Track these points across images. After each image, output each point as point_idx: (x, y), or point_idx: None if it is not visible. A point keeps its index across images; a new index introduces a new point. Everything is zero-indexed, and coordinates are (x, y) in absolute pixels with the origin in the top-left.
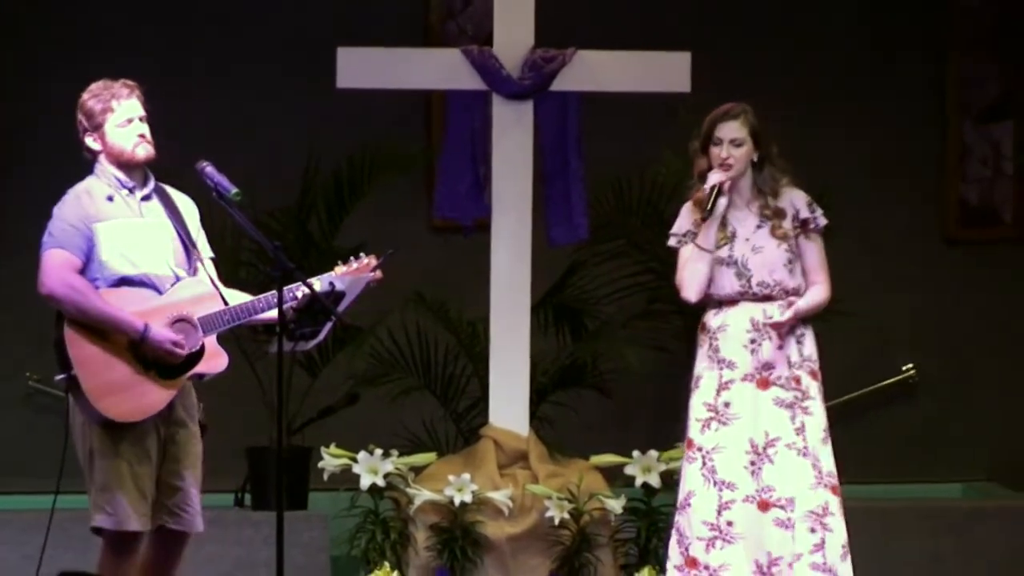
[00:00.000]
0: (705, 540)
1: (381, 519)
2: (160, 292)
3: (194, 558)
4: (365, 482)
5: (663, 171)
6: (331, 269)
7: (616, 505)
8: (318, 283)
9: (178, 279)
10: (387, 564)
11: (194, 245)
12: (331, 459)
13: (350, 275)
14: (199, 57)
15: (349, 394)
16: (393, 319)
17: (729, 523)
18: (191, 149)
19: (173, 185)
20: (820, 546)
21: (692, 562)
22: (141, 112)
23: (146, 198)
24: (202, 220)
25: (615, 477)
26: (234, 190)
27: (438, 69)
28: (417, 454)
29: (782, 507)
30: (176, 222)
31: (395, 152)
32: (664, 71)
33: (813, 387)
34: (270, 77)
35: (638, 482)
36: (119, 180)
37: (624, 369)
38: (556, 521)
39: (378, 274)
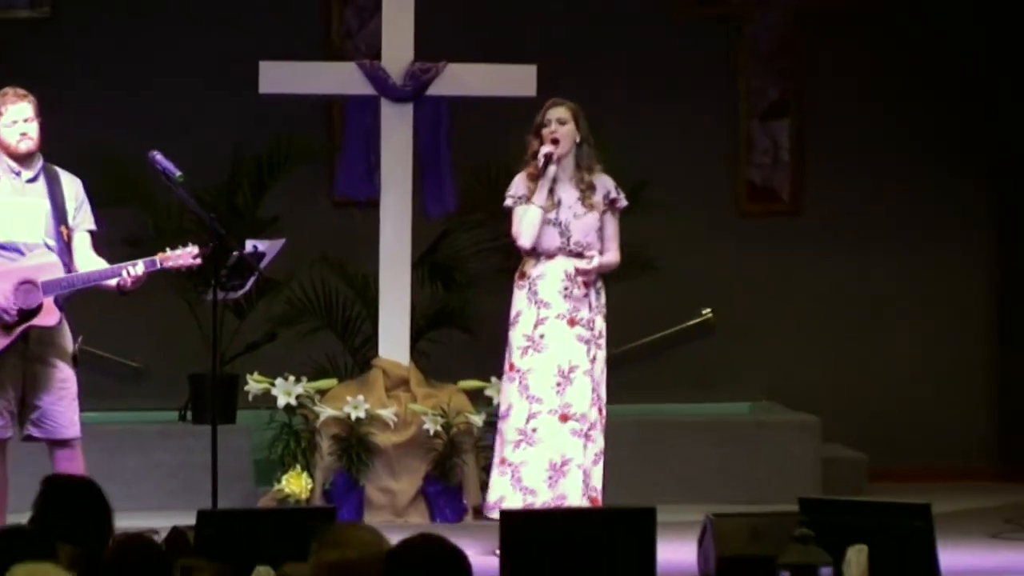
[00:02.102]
0: (513, 443)
1: (294, 431)
2: (24, 256)
3: (146, 462)
4: (281, 402)
5: (511, 160)
6: (256, 236)
7: (478, 420)
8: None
9: (48, 248)
10: (298, 466)
11: (65, 220)
12: (255, 384)
13: (171, 261)
14: (148, 66)
15: (269, 333)
16: (303, 275)
17: (534, 430)
18: (144, 142)
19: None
20: (591, 456)
21: (503, 461)
22: (28, 115)
23: (32, 180)
24: (153, 200)
25: (477, 398)
26: (178, 173)
27: (338, 78)
28: (322, 380)
29: (577, 420)
30: (53, 201)
31: (303, 144)
32: (515, 79)
33: (603, 328)
34: (206, 84)
35: (495, 401)
36: (8, 166)
37: (484, 312)
38: (431, 432)
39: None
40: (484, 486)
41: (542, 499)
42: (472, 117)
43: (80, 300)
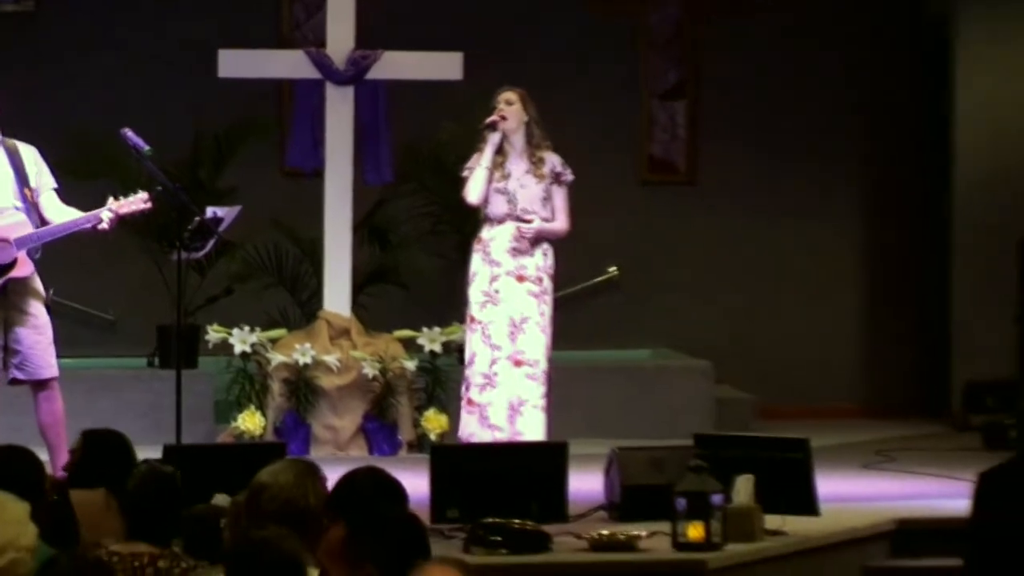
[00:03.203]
0: (479, 386)
1: (249, 375)
2: None
3: (118, 403)
4: (238, 349)
5: (444, 135)
6: (216, 204)
7: (411, 365)
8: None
9: (17, 209)
10: (253, 407)
11: (27, 183)
12: (214, 334)
13: (125, 207)
14: (121, 53)
15: (227, 289)
16: (257, 236)
17: (495, 374)
18: (119, 119)
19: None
20: (543, 397)
21: (471, 402)
22: None
23: None
24: (128, 172)
25: (410, 345)
26: (147, 148)
27: (288, 64)
28: (273, 330)
29: (531, 365)
30: (15, 168)
31: (257, 122)
32: (443, 65)
33: (550, 286)
34: (172, 69)
35: (426, 349)
36: None
37: (417, 270)
38: (370, 376)
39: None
40: (416, 423)
41: (505, 434)
42: (407, 98)
43: (62, 261)
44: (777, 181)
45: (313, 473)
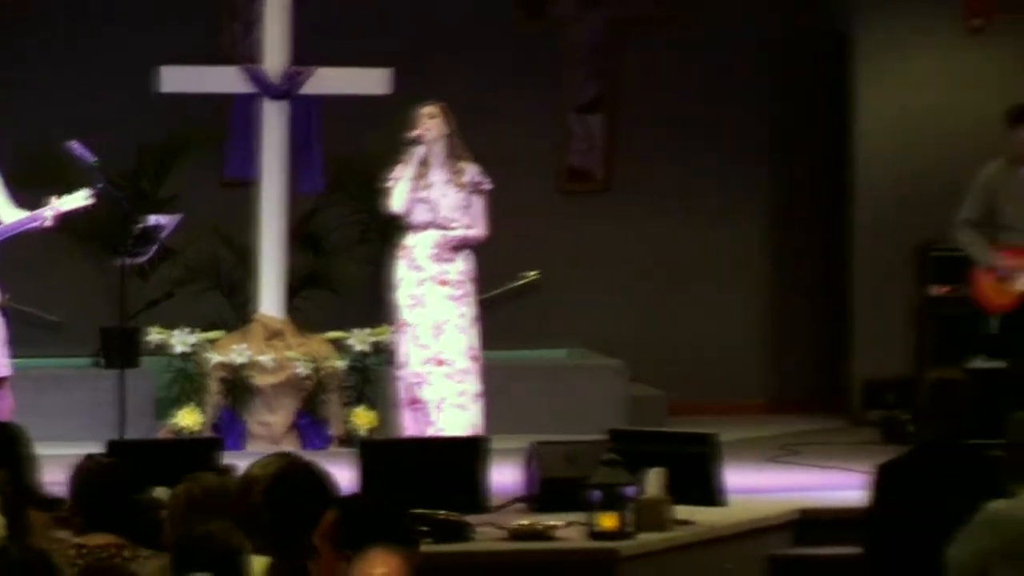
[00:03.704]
0: (416, 384)
1: (188, 374)
2: None
3: (65, 400)
4: (177, 350)
5: (371, 149)
6: (158, 212)
7: (342, 365)
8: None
9: None
10: (191, 404)
11: None
12: (155, 335)
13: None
14: (70, 70)
15: (167, 292)
16: (196, 243)
17: (428, 372)
18: (66, 132)
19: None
20: (463, 394)
21: (414, 401)
22: None
23: None
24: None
25: (341, 346)
26: (93, 159)
27: (227, 80)
28: (211, 331)
29: (450, 364)
30: None
31: (197, 134)
32: (373, 80)
33: (471, 289)
34: (117, 85)
35: (356, 349)
36: None
37: (347, 276)
38: (303, 375)
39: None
40: (346, 420)
41: (437, 429)
42: (339, 112)
43: (10, 264)
44: (688, 189)
45: (304, 464)
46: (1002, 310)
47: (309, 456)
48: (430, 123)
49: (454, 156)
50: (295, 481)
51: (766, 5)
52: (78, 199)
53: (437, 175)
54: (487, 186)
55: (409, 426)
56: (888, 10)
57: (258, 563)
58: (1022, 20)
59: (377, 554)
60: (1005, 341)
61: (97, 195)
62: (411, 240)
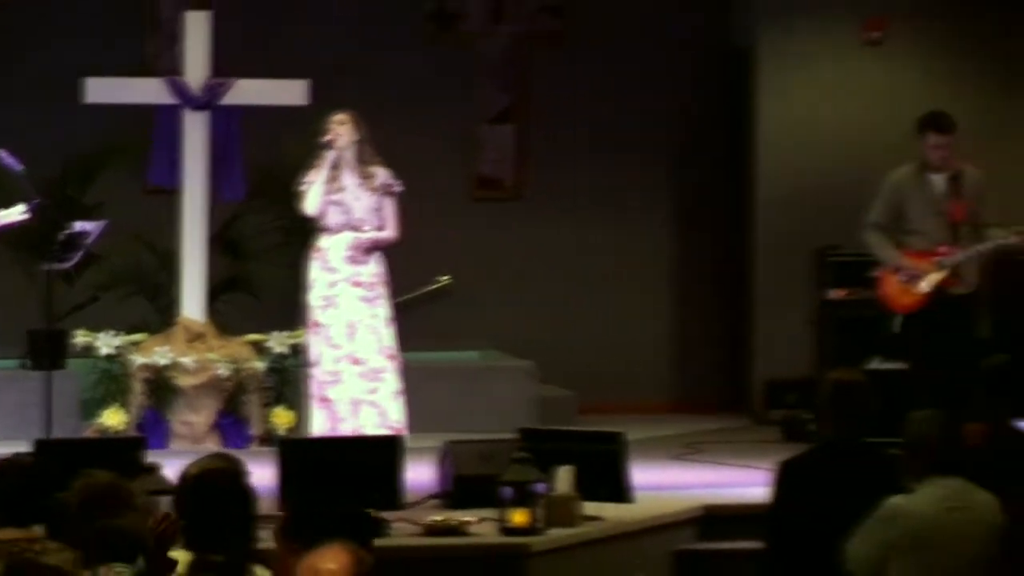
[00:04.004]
0: (328, 383)
1: (113, 376)
2: None
3: None
4: (102, 352)
5: (289, 157)
6: (83, 219)
7: (261, 366)
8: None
9: None
10: (116, 404)
11: None
12: (81, 338)
13: (4, 220)
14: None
15: (92, 296)
16: (121, 249)
17: (339, 371)
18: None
19: None
20: (375, 392)
21: (324, 399)
22: None
23: None
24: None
25: (261, 348)
26: (21, 168)
27: (150, 91)
28: (135, 334)
29: (363, 363)
30: None
31: (121, 143)
32: (291, 91)
33: (383, 291)
34: (45, 96)
35: (275, 351)
36: None
37: (266, 280)
38: (224, 376)
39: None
40: (265, 419)
41: (349, 427)
42: (258, 121)
43: None
44: (595, 196)
45: (236, 465)
46: (906, 310)
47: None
48: (341, 129)
49: (364, 161)
50: (214, 482)
51: (669, 20)
52: (13, 214)
53: (349, 179)
54: (397, 188)
55: (320, 424)
56: (788, 24)
57: (181, 557)
58: (917, 34)
59: (327, 549)
60: (906, 340)
61: (32, 210)
62: (325, 242)
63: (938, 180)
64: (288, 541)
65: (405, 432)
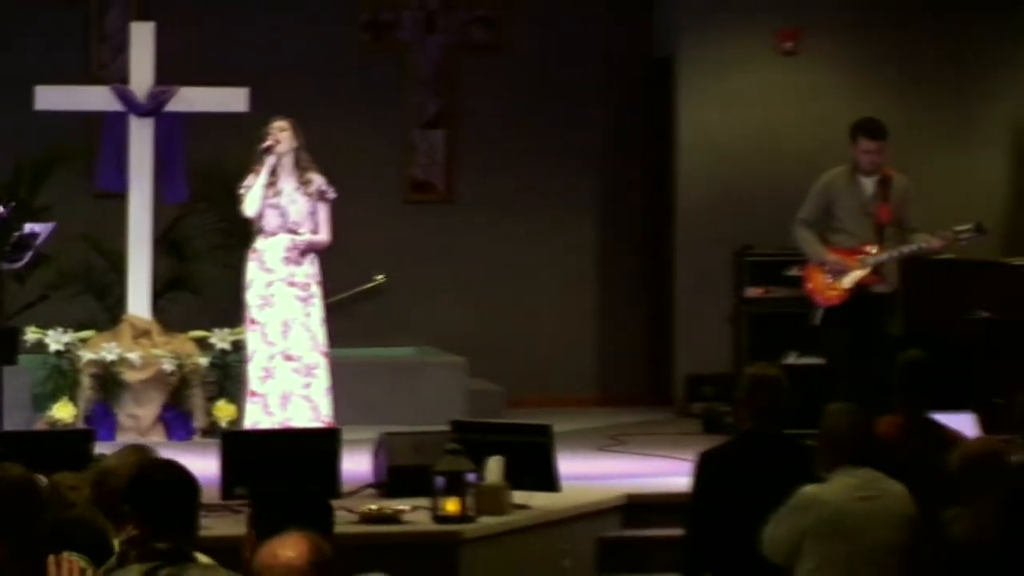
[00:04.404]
0: (259, 378)
1: (62, 371)
2: None
3: None
4: (52, 348)
5: (230, 161)
6: (33, 221)
7: (204, 361)
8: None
9: None
10: (66, 398)
11: None
12: (32, 335)
13: None
14: None
15: (42, 295)
16: (70, 250)
17: (272, 368)
18: None
19: None
20: (308, 387)
21: (254, 393)
22: None
23: None
24: None
25: (204, 344)
26: None
27: (97, 99)
28: (83, 331)
29: (297, 359)
30: None
31: (70, 149)
32: (232, 98)
33: (316, 291)
34: None
35: (217, 347)
36: None
37: (209, 279)
38: (168, 371)
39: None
40: (208, 412)
41: (278, 420)
42: (200, 127)
43: None
44: (523, 198)
45: (150, 455)
46: (828, 303)
47: (174, 447)
48: (281, 136)
49: (302, 167)
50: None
51: (594, 31)
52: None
53: (286, 183)
54: (332, 195)
55: (254, 417)
56: (707, 36)
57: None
58: (828, 45)
59: (286, 537)
60: (825, 332)
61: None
62: (262, 244)
63: (868, 183)
64: (254, 530)
65: (334, 425)
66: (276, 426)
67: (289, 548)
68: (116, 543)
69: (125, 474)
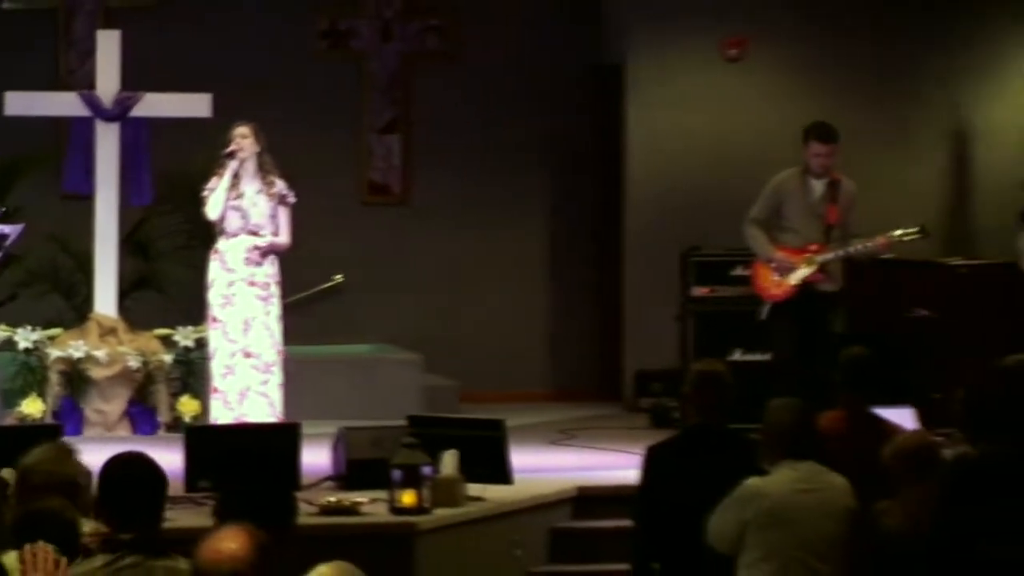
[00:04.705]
0: (221, 374)
1: (31, 368)
2: None
3: None
4: (21, 346)
5: (194, 165)
6: (2, 222)
7: (168, 358)
8: None
9: None
10: (34, 394)
11: None
12: (2, 332)
13: None
14: None
15: (11, 294)
16: (38, 250)
17: (233, 365)
18: None
19: None
20: (266, 383)
21: (215, 389)
22: None
23: None
24: None
25: (168, 342)
26: None
27: (65, 104)
28: (51, 329)
29: (256, 357)
30: None
31: (39, 153)
32: (195, 104)
33: (275, 290)
34: None
35: (181, 345)
36: None
37: (173, 278)
38: (134, 368)
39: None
40: (172, 408)
41: (237, 415)
42: (165, 131)
43: None
44: (477, 200)
45: (67, 450)
46: (774, 299)
47: (139, 441)
48: (243, 141)
49: (264, 170)
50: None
51: (546, 39)
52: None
53: (248, 187)
54: (292, 199)
55: (217, 412)
56: (655, 43)
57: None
58: (773, 52)
59: (225, 531)
60: (771, 327)
61: None
62: (224, 245)
63: (818, 185)
64: (220, 522)
65: (285, 420)
66: (234, 421)
67: (229, 541)
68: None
69: (47, 471)
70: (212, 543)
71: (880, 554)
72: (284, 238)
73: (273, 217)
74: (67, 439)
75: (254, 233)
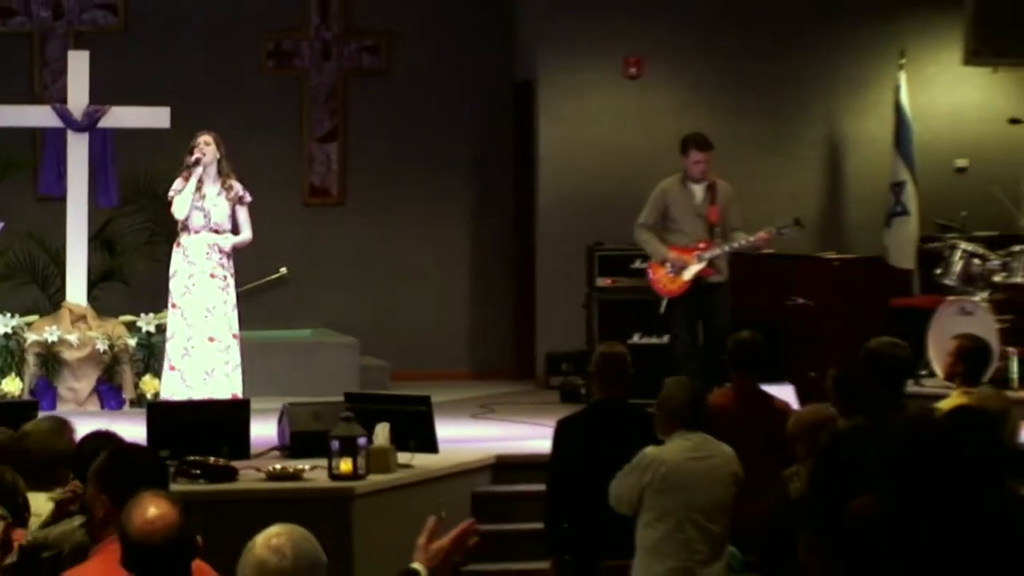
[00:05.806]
0: (179, 355)
1: (9, 350)
2: None
3: None
4: (2, 331)
5: (155, 170)
6: None
7: (132, 342)
8: None
9: None
10: (13, 373)
11: None
12: None
13: None
14: None
15: None
16: (16, 246)
17: (192, 347)
18: None
19: None
20: (227, 364)
21: (172, 367)
22: None
23: None
24: None
25: (132, 327)
26: None
27: (39, 116)
28: (29, 316)
29: (218, 341)
30: None
31: (16, 159)
32: (156, 117)
33: (232, 282)
34: None
35: (144, 330)
36: None
37: (136, 271)
38: (102, 350)
39: None
40: (136, 386)
41: (198, 393)
42: (129, 141)
43: None
44: (406, 201)
45: (64, 424)
46: (671, 295)
47: (107, 415)
48: (207, 148)
49: (224, 175)
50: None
51: (467, 58)
52: None
53: (210, 189)
54: (249, 199)
55: (172, 388)
56: (563, 62)
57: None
58: (667, 70)
59: (144, 500)
60: (670, 319)
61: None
62: (187, 240)
63: (698, 189)
64: (99, 485)
65: (241, 398)
66: (195, 398)
67: (157, 506)
68: (37, 499)
69: (41, 440)
70: (139, 513)
71: (787, 516)
72: (247, 234)
73: (231, 216)
74: (45, 413)
75: (215, 231)
